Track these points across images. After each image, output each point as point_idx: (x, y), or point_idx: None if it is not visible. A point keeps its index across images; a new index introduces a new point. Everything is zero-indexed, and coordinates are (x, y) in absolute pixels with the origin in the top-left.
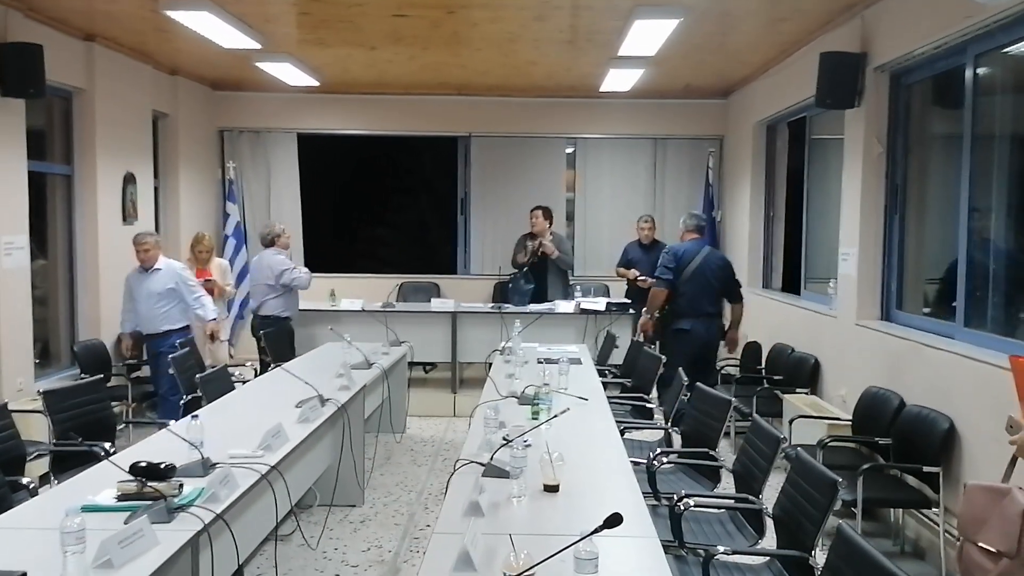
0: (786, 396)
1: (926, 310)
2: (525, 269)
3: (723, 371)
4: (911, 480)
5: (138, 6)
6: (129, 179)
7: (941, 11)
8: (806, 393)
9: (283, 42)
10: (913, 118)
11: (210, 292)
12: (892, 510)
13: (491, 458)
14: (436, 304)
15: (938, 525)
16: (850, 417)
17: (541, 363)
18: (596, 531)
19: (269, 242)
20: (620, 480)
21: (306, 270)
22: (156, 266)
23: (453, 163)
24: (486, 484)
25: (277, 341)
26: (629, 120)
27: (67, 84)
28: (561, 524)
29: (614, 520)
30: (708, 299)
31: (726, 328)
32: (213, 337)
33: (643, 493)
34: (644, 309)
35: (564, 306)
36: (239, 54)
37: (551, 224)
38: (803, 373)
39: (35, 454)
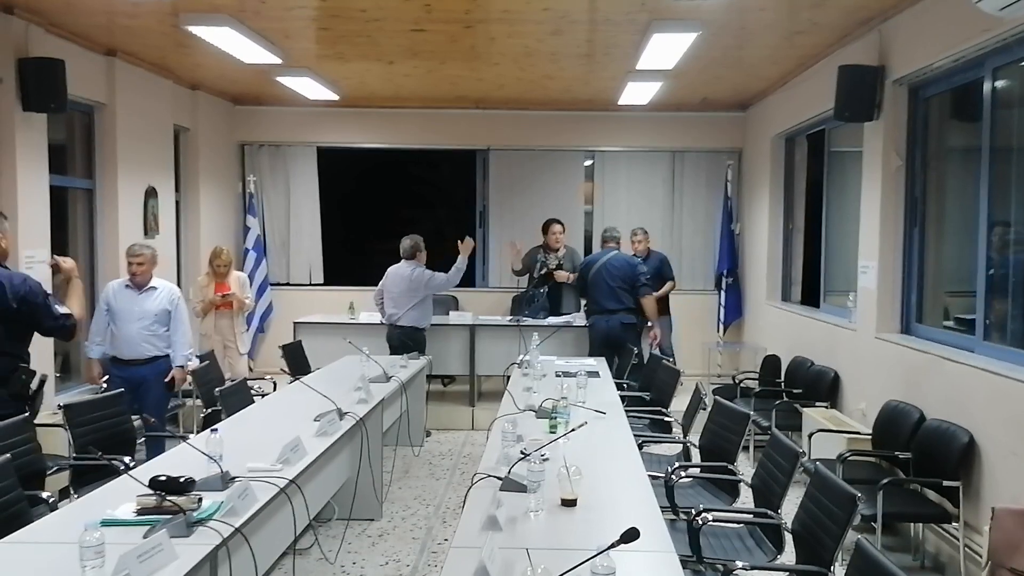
0: (805, 410)
1: (946, 323)
2: (541, 282)
3: (742, 384)
4: (931, 494)
5: (159, 21)
6: (150, 193)
7: (959, 24)
8: (825, 407)
9: (302, 57)
10: (932, 131)
11: (229, 306)
12: (912, 525)
13: (508, 472)
14: (454, 317)
15: (958, 540)
16: (870, 431)
17: (559, 376)
18: (612, 546)
19: (411, 255)
20: (638, 494)
21: (451, 271)
22: (151, 284)
23: (471, 176)
24: (504, 498)
25: (296, 355)
26: (647, 133)
27: (88, 99)
28: (578, 539)
29: (631, 535)
30: (607, 297)
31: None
32: (173, 385)
33: (661, 507)
34: None
35: (582, 319)
36: (259, 69)
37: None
38: (822, 387)
39: (55, 468)
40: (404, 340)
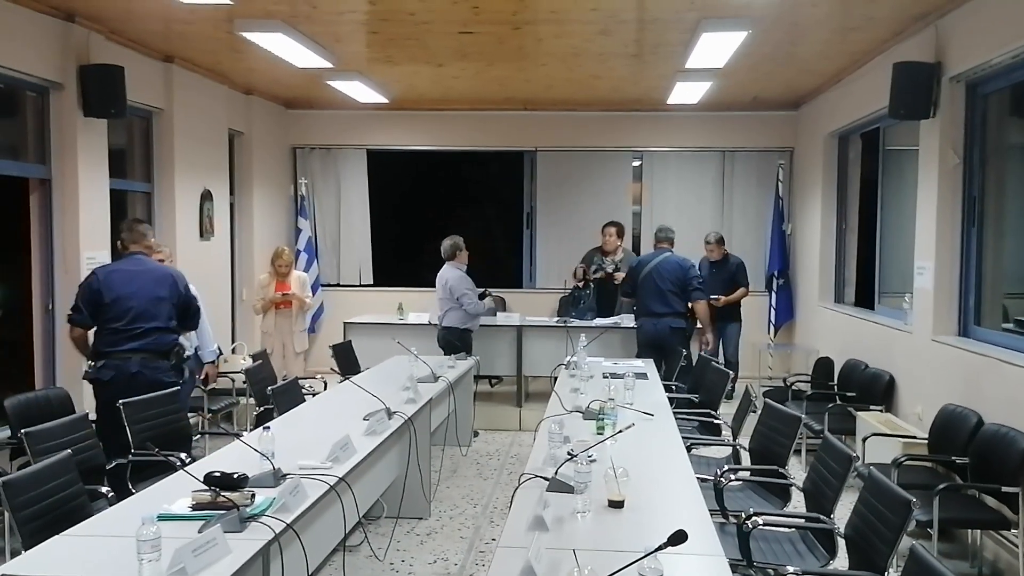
0: (859, 413)
1: (1006, 325)
2: (587, 284)
3: (793, 387)
4: (989, 500)
5: (214, 27)
6: (206, 196)
7: (1018, 20)
8: (880, 410)
9: (353, 60)
10: (990, 128)
11: (289, 304)
12: (970, 531)
13: (555, 473)
14: (502, 318)
15: (1018, 547)
16: (926, 435)
17: (607, 377)
18: (660, 548)
19: (450, 255)
20: (686, 496)
21: (484, 301)
22: None
23: (519, 177)
24: (550, 499)
25: (346, 355)
26: (697, 133)
27: (147, 104)
28: (625, 540)
29: (678, 537)
30: (657, 300)
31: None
32: (207, 382)
33: (710, 510)
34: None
35: (630, 320)
36: (311, 73)
37: (622, 240)
38: (877, 390)
39: (114, 463)
40: (448, 340)
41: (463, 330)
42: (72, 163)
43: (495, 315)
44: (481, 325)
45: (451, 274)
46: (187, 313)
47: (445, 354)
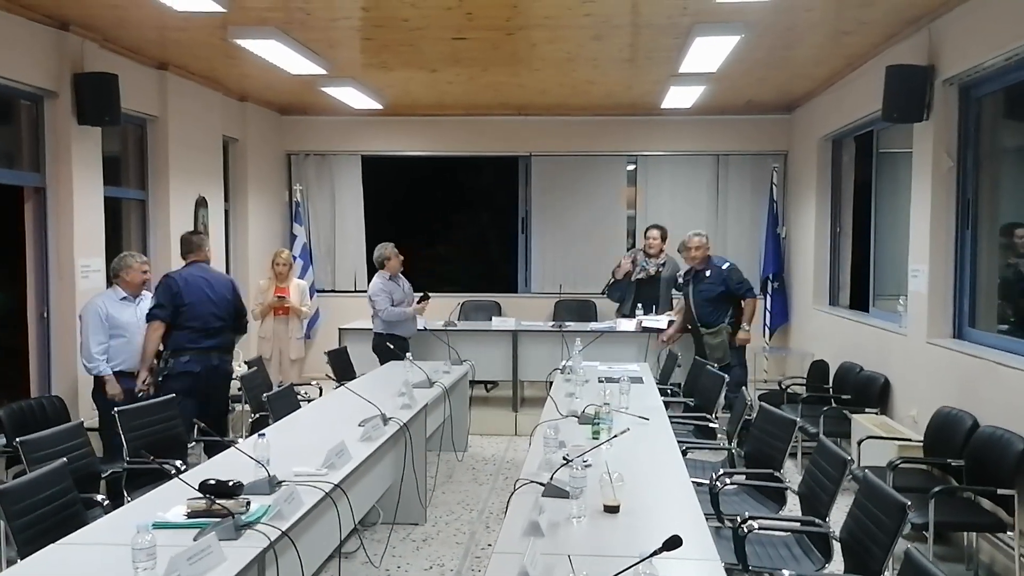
0: (854, 416)
1: (1001, 327)
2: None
3: (788, 390)
4: (985, 503)
5: (208, 35)
6: (201, 203)
7: (1011, 22)
8: (875, 413)
9: (347, 67)
10: (984, 131)
11: (287, 311)
12: (965, 534)
13: (551, 478)
14: (497, 323)
15: (1013, 549)
16: (921, 438)
17: (602, 382)
18: (655, 553)
19: (380, 264)
20: (681, 501)
21: (393, 307)
22: (144, 291)
23: (514, 182)
24: (546, 504)
25: (341, 361)
26: (691, 137)
27: (141, 111)
28: (621, 545)
29: (674, 542)
30: None
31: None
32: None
33: (706, 515)
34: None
35: (625, 324)
36: (305, 79)
37: (665, 243)
38: (872, 392)
39: (109, 472)
40: (377, 345)
41: (390, 336)
42: (66, 171)
43: (414, 319)
44: (476, 330)
45: (373, 283)
46: (241, 314)
47: (381, 362)
